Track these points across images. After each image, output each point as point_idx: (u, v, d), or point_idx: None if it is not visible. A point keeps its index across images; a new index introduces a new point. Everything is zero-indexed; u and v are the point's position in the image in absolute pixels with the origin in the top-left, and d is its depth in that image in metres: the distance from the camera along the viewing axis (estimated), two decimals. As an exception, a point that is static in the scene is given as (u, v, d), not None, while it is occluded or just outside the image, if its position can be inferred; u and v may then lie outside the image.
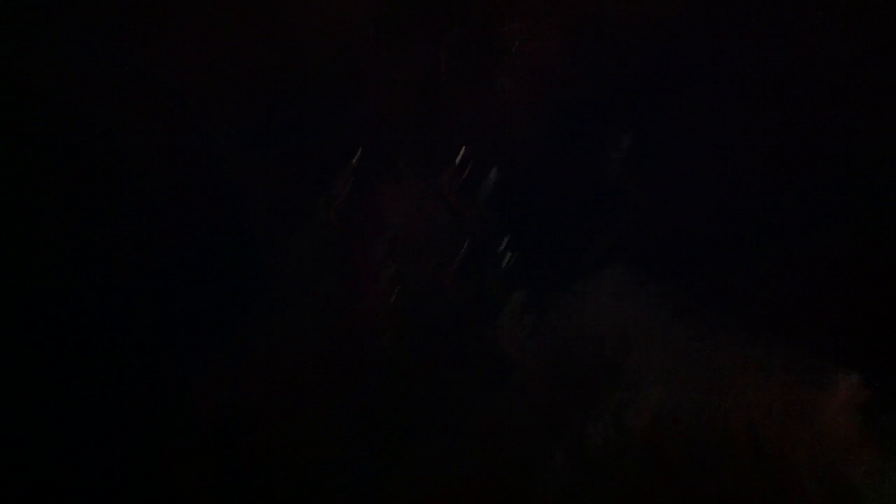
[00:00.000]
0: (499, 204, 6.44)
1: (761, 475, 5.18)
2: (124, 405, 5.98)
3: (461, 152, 6.24)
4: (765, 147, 6.26)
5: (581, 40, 6.38)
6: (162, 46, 6.21)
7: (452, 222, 6.28)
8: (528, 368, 5.89)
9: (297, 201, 6.23)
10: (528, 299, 6.33)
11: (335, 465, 5.58)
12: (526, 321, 6.17)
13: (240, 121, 6.37)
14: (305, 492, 5.59)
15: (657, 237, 6.30)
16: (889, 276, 5.81)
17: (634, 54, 6.39)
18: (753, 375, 5.46)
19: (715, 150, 6.31)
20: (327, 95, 6.37)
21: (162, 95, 6.15)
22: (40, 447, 5.96)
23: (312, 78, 6.34)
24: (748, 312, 5.86)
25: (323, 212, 6.13)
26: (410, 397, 5.85)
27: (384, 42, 6.41)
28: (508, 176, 6.48)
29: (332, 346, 6.04)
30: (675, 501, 5.16)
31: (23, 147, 6.00)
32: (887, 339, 5.61)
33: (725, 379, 5.42)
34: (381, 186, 6.27)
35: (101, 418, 5.95)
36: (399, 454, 5.65)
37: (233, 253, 6.22)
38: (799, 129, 6.19)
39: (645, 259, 6.23)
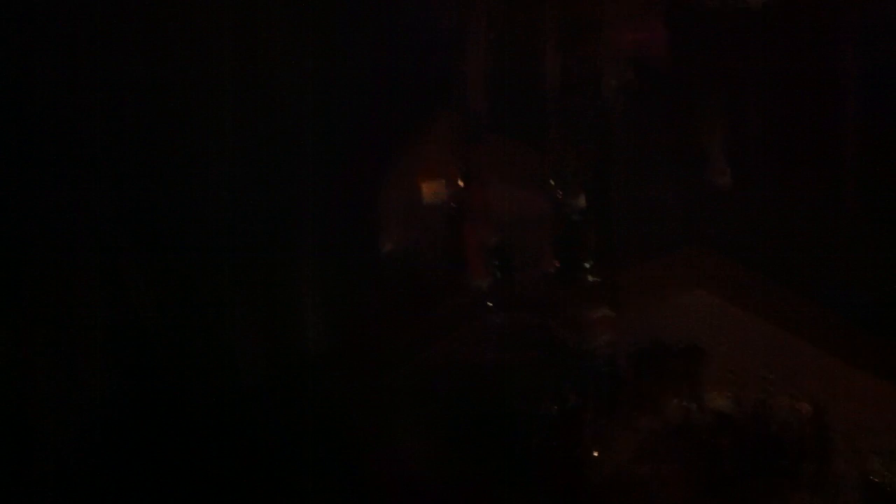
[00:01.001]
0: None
1: (822, 454, 5.48)
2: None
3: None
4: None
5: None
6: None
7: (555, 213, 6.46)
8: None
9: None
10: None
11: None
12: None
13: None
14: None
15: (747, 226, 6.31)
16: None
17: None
18: (827, 363, 5.71)
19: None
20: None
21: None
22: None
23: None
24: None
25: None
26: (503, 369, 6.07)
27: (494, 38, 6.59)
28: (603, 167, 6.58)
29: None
30: (737, 466, 5.45)
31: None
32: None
33: (798, 365, 5.66)
34: (493, 174, 6.48)
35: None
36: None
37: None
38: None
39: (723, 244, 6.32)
